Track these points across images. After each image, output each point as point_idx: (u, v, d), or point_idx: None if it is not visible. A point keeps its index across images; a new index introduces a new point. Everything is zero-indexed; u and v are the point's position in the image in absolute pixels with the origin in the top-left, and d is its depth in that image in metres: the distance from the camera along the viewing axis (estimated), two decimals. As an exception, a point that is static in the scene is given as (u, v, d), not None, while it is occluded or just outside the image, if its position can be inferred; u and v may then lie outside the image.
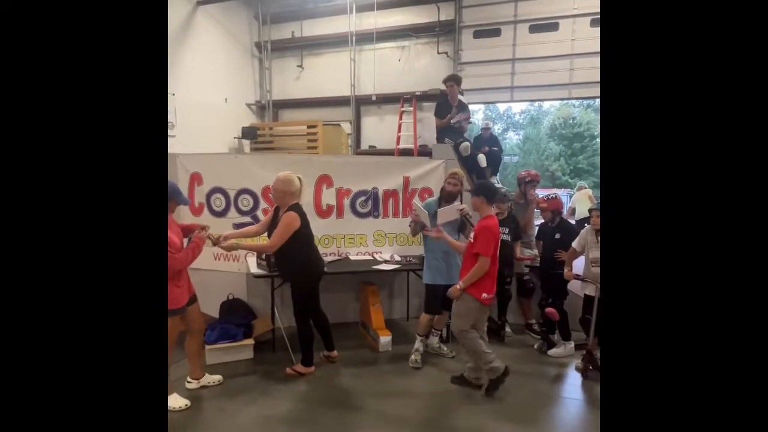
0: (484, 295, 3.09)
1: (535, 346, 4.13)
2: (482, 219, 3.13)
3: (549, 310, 3.79)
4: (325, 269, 3.62)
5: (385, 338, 4.06)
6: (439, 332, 3.97)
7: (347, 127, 8.40)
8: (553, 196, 4.29)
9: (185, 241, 3.08)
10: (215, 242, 3.13)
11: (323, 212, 4.45)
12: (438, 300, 3.61)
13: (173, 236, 2.84)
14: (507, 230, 4.33)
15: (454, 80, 5.39)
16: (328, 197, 4.50)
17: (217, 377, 3.32)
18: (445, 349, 3.94)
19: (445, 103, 5.53)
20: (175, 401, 2.94)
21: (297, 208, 3.31)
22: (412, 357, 3.71)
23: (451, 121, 5.29)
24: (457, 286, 3.10)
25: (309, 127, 7.78)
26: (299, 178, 3.38)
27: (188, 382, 3.23)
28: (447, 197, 3.68)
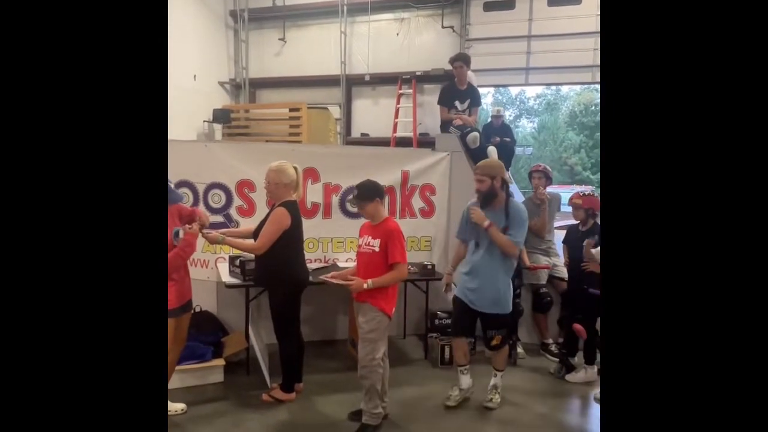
0: (393, 309, 3.08)
1: (552, 370, 4.11)
2: (382, 222, 3.07)
3: (577, 326, 3.74)
4: (311, 278, 3.58)
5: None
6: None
7: (336, 111, 8.34)
8: (590, 192, 4.00)
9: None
10: (200, 232, 3.07)
11: (308, 211, 4.40)
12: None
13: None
14: None
15: (462, 60, 5.36)
16: (314, 194, 4.46)
17: (180, 406, 3.27)
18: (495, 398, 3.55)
19: (452, 88, 5.49)
20: (172, 406, 3.17)
21: (289, 205, 3.29)
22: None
23: (453, 125, 5.23)
24: (364, 284, 2.93)
25: (291, 110, 7.71)
26: (295, 168, 3.36)
27: None
28: (482, 200, 3.36)
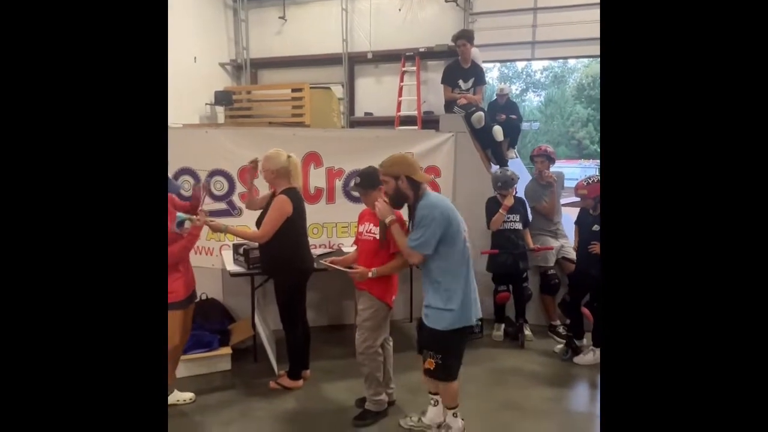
0: (394, 298, 3.07)
1: (556, 350, 4.10)
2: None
3: (585, 310, 3.77)
4: (315, 265, 3.56)
5: (385, 344, 4.02)
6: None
7: (338, 91, 8.20)
8: (594, 180, 3.92)
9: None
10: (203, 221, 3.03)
11: (311, 197, 4.36)
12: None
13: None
14: (517, 217, 4.28)
15: (466, 38, 5.22)
16: (317, 179, 4.41)
17: (189, 395, 3.29)
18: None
19: (455, 66, 5.37)
20: (179, 395, 3.19)
21: (291, 193, 3.26)
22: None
23: (457, 104, 5.13)
24: (368, 273, 2.86)
25: (293, 90, 7.58)
26: (290, 157, 3.31)
27: None
28: (392, 203, 2.83)
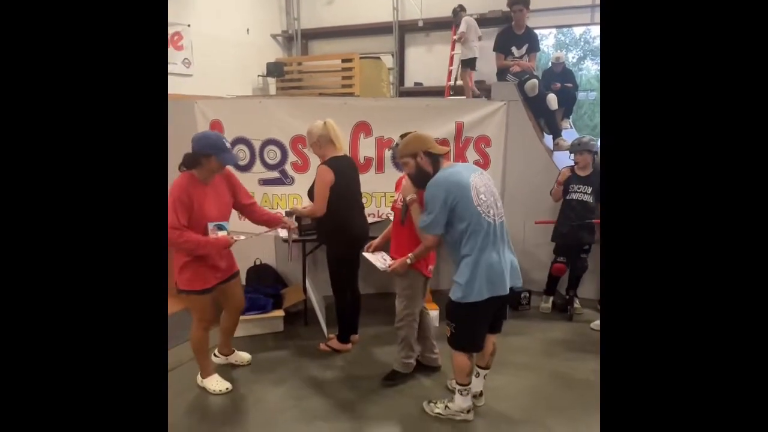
0: (430, 267, 3.12)
1: (592, 326, 4.05)
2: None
3: None
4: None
5: (431, 312, 4.07)
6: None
7: (389, 61, 8.13)
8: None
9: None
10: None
11: (361, 166, 4.38)
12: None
13: (209, 206, 2.79)
14: (590, 189, 4.13)
15: (522, 3, 5.06)
16: (366, 148, 4.44)
17: (246, 356, 3.44)
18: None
19: (508, 33, 5.22)
20: (216, 384, 3.08)
21: (330, 162, 3.29)
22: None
23: (510, 72, 5.01)
24: (407, 260, 2.89)
25: (343, 61, 7.60)
26: (326, 123, 3.31)
27: (215, 356, 3.39)
28: (416, 184, 2.77)
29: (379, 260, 3.14)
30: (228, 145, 2.82)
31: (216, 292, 3.00)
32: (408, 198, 2.78)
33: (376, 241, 3.33)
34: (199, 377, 3.15)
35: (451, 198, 2.48)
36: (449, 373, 3.20)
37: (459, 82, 7.32)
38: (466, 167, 2.68)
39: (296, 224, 3.36)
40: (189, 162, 2.76)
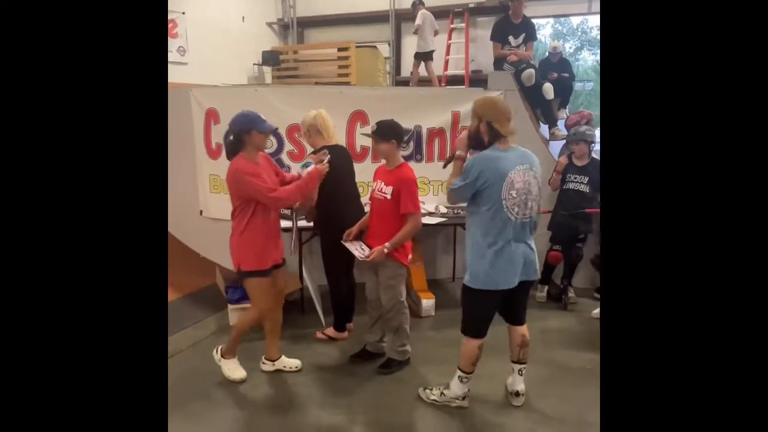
0: (410, 257, 3.13)
1: (593, 315, 4.07)
2: (397, 168, 3.00)
3: None
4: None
5: (427, 302, 4.10)
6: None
7: (385, 50, 8.10)
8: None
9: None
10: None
11: (356, 155, 4.39)
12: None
13: (263, 174, 2.81)
14: (586, 179, 4.15)
15: (521, -8, 5.04)
16: (363, 137, 4.40)
17: (296, 362, 3.26)
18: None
19: (505, 22, 5.20)
20: (233, 370, 3.08)
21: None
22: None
23: (507, 61, 5.02)
24: (384, 249, 2.92)
25: (340, 50, 7.56)
26: (317, 114, 3.35)
27: (263, 363, 3.25)
28: (470, 145, 2.73)
29: (357, 249, 3.12)
30: (263, 117, 2.85)
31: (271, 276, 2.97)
32: (457, 153, 2.69)
33: (353, 229, 3.26)
34: (218, 354, 3.14)
35: (482, 179, 2.48)
36: (447, 362, 3.22)
37: (457, 71, 7.30)
38: (519, 156, 2.57)
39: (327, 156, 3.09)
40: (235, 146, 2.81)
